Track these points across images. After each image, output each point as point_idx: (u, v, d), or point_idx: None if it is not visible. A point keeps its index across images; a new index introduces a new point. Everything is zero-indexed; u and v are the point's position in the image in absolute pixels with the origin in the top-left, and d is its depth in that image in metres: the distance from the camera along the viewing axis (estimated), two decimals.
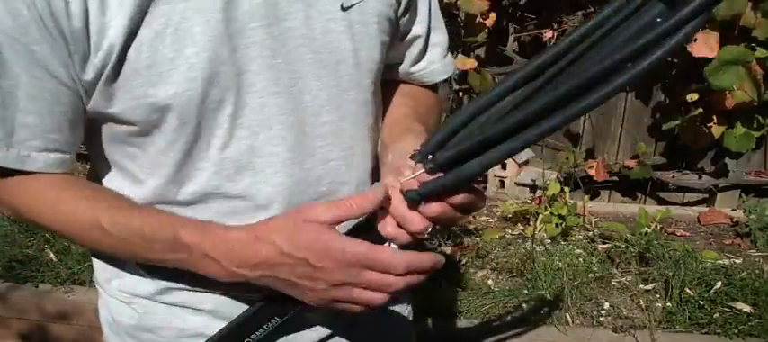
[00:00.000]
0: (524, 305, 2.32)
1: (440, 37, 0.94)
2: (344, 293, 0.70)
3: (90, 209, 0.75)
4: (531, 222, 2.82)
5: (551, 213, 2.79)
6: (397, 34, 0.87)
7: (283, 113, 0.75)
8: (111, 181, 0.81)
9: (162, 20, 0.67)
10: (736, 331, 2.16)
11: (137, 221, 0.74)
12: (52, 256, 2.61)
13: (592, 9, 3.00)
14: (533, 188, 3.15)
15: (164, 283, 0.83)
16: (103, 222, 0.74)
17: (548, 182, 2.92)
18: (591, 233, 2.78)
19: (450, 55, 0.98)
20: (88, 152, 0.83)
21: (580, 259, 2.55)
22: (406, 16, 0.87)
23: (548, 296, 2.33)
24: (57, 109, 0.71)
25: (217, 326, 0.80)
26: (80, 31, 0.66)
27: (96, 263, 0.88)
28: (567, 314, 2.27)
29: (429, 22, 0.91)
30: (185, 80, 0.69)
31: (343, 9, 0.77)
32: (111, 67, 0.68)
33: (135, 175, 0.78)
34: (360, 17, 0.79)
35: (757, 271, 2.46)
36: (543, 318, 2.26)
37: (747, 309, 2.23)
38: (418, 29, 0.90)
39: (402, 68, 0.94)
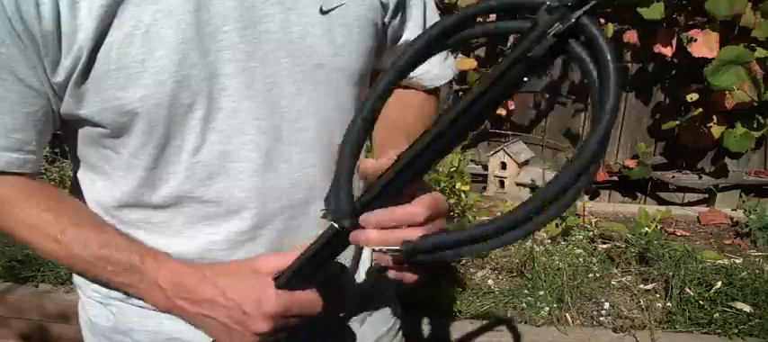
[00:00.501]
0: (524, 305, 2.32)
1: None
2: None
3: (50, 221, 0.74)
4: None
5: None
6: (386, 39, 0.86)
7: (257, 118, 0.74)
8: (89, 182, 0.81)
9: (132, 22, 0.67)
10: (736, 331, 2.16)
11: (94, 241, 0.74)
12: None
13: None
14: (533, 188, 3.15)
15: None
16: (60, 236, 0.74)
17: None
18: (591, 233, 2.78)
19: (451, 58, 0.96)
20: (68, 153, 0.83)
21: (580, 259, 2.55)
22: (396, 20, 0.86)
23: (548, 296, 2.33)
24: (22, 110, 0.71)
25: (191, 331, 0.78)
26: (51, 34, 0.66)
27: None
28: (567, 314, 2.27)
29: (424, 25, 0.89)
30: (154, 83, 0.68)
31: (323, 12, 0.76)
32: (81, 68, 0.67)
33: (110, 177, 0.78)
34: (341, 21, 0.77)
35: (757, 271, 2.46)
36: (543, 318, 2.26)
37: (747, 309, 2.23)
38: (412, 33, 0.88)
39: None
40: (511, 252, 2.63)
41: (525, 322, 2.25)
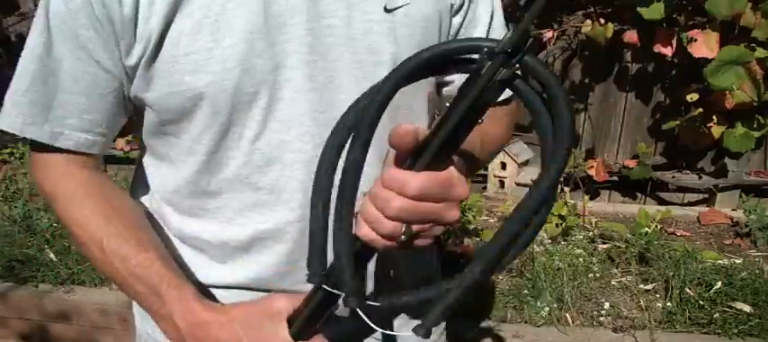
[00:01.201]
0: (524, 305, 2.32)
1: None
2: None
3: (100, 227, 0.77)
4: None
5: (551, 213, 2.79)
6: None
7: (316, 110, 0.75)
8: (153, 168, 0.84)
9: (202, 11, 0.69)
10: (736, 331, 2.16)
11: (133, 258, 0.75)
12: (52, 256, 2.61)
13: (592, 9, 3.00)
14: None
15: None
16: (105, 245, 0.76)
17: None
18: (591, 233, 2.78)
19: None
20: (139, 138, 0.86)
21: (580, 259, 2.55)
22: (459, 18, 0.84)
23: (548, 296, 2.33)
24: (95, 92, 0.74)
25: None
26: (129, 19, 0.69)
27: None
28: (567, 314, 2.27)
29: (489, 27, 0.86)
30: (221, 70, 0.71)
31: (387, 11, 0.76)
32: (151, 52, 0.70)
33: (173, 163, 0.80)
34: (405, 20, 0.77)
35: (757, 271, 2.46)
36: (543, 318, 2.26)
37: (747, 309, 2.23)
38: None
39: (450, 89, 0.88)
40: None
41: (525, 322, 2.25)
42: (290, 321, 0.70)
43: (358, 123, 0.59)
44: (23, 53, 0.75)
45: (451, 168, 0.61)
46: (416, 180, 0.58)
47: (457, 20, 0.84)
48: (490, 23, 0.87)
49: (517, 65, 0.51)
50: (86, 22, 0.69)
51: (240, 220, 0.80)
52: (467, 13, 0.85)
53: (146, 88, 0.73)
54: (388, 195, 0.60)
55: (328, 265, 0.64)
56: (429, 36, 0.80)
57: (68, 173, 0.79)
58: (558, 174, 0.52)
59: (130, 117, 0.81)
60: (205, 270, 0.85)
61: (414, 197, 0.59)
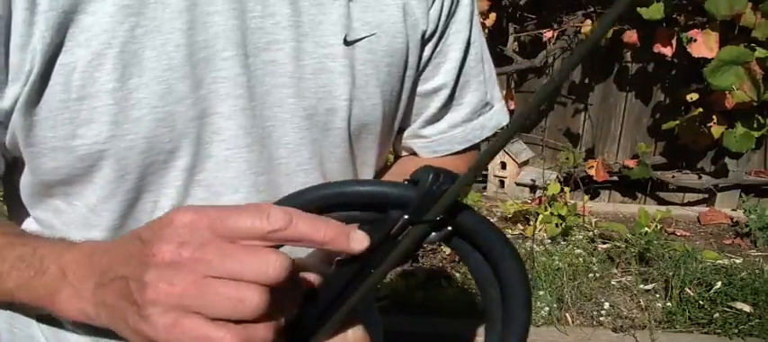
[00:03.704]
0: None
1: (473, 95, 0.72)
2: None
3: None
4: (531, 222, 2.82)
5: (551, 213, 2.79)
6: (417, 77, 0.69)
7: (255, 171, 0.59)
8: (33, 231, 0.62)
9: (103, 38, 0.51)
10: (736, 331, 2.16)
11: (6, 247, 0.53)
12: None
13: (592, 9, 3.00)
14: (533, 188, 3.15)
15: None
16: None
17: (548, 182, 2.92)
18: (591, 233, 2.78)
19: (494, 109, 0.75)
20: (4, 199, 0.65)
21: (580, 259, 2.55)
22: (431, 51, 0.68)
23: (548, 296, 2.33)
24: None
25: None
26: None
27: None
28: (567, 314, 2.27)
29: (458, 76, 0.71)
30: (127, 120, 0.53)
31: (347, 43, 0.60)
32: (30, 93, 0.51)
33: (60, 234, 0.58)
34: (368, 56, 0.62)
35: (757, 271, 2.46)
36: (543, 318, 2.26)
37: (747, 309, 2.23)
38: (443, 79, 0.70)
39: (410, 131, 0.74)
40: None
41: None
42: None
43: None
44: None
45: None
46: None
47: (427, 51, 0.68)
48: (463, 61, 0.71)
49: (448, 227, 0.43)
50: None
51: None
52: (438, 42, 0.68)
53: (25, 141, 0.54)
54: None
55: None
56: (393, 76, 0.64)
57: None
58: None
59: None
60: None
61: None
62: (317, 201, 0.45)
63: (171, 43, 0.53)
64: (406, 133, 0.75)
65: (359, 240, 0.42)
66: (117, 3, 0.51)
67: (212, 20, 0.55)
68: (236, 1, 0.56)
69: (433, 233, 0.42)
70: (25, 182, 0.59)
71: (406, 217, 0.41)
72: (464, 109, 0.73)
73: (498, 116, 0.76)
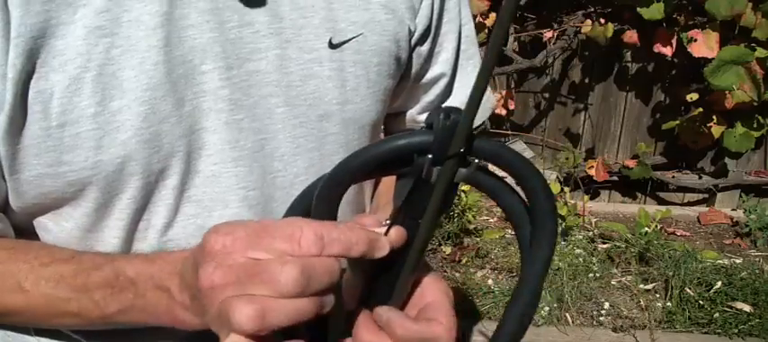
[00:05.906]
0: None
1: (468, 78, 0.72)
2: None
3: (10, 269, 0.54)
4: None
5: None
6: (409, 72, 0.68)
7: (244, 186, 0.58)
8: None
9: (78, 61, 0.50)
10: (736, 331, 2.16)
11: (67, 269, 0.53)
12: None
13: (592, 9, 3.00)
14: None
15: None
16: (25, 282, 0.53)
17: (547, 182, 2.92)
18: (591, 233, 2.78)
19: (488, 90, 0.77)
20: None
21: (580, 259, 2.55)
22: (424, 47, 0.68)
23: (548, 296, 2.33)
24: None
25: None
26: None
27: None
28: (567, 314, 2.27)
29: (456, 62, 0.71)
30: (113, 144, 0.52)
31: (333, 46, 0.59)
32: (9, 123, 0.50)
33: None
34: (355, 57, 0.61)
35: (757, 271, 2.46)
36: (543, 318, 2.26)
37: (747, 309, 2.23)
38: (442, 69, 0.71)
39: (409, 115, 0.75)
40: (511, 252, 2.63)
41: None
42: None
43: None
44: None
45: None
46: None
47: (424, 48, 0.68)
48: (458, 49, 0.71)
49: (476, 160, 0.44)
50: None
51: (151, 336, 0.56)
52: (434, 38, 0.68)
53: (10, 169, 0.53)
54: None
55: None
56: (384, 76, 0.63)
57: None
58: (546, 265, 0.45)
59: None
60: None
61: None
62: (357, 169, 0.45)
63: (149, 61, 0.52)
64: (406, 122, 0.76)
65: (384, 244, 0.44)
66: (88, 25, 0.50)
67: (187, 34, 0.54)
68: (212, 13, 0.54)
69: (462, 169, 0.44)
70: (16, 204, 0.57)
71: (430, 156, 0.42)
72: (460, 92, 0.74)
73: (492, 97, 0.78)
